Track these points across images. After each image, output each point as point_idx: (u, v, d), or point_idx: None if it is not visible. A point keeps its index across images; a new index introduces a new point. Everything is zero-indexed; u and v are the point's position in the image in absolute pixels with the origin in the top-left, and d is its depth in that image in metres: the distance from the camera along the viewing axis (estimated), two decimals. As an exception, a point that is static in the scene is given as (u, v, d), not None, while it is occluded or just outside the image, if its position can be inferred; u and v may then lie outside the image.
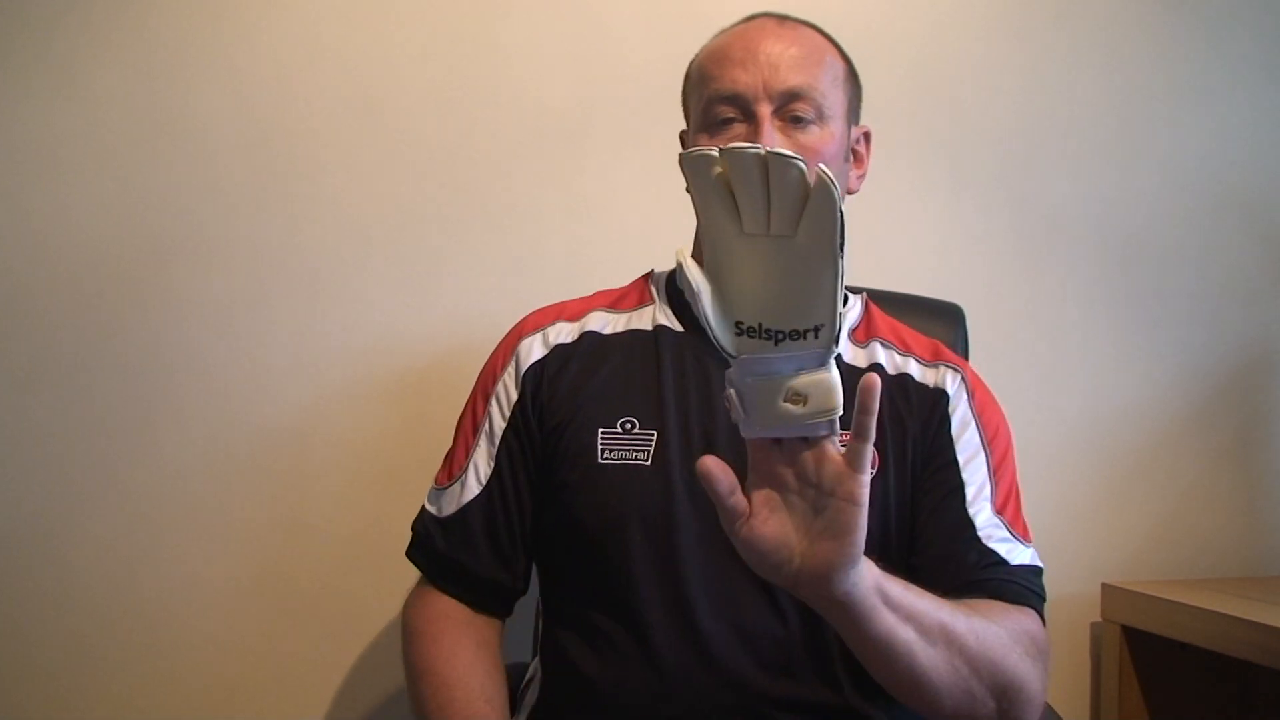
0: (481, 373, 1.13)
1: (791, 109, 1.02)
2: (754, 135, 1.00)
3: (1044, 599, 0.98)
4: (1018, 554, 0.99)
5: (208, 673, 1.41)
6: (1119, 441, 1.63)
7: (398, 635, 1.43)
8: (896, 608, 0.78)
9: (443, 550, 1.06)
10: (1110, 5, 1.63)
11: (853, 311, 1.13)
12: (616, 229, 1.48)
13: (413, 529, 1.10)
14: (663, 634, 0.98)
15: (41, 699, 1.38)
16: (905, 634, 0.79)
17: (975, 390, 1.08)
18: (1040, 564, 1.00)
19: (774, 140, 0.99)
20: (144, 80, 1.41)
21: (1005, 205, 1.61)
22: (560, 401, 1.06)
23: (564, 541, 1.04)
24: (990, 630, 0.86)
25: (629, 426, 1.03)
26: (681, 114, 1.14)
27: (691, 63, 1.10)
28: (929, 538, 0.99)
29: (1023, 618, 0.93)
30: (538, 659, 1.11)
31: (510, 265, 1.47)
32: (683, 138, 1.13)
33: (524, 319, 1.14)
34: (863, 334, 1.11)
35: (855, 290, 1.17)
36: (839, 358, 1.03)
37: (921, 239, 1.58)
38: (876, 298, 1.17)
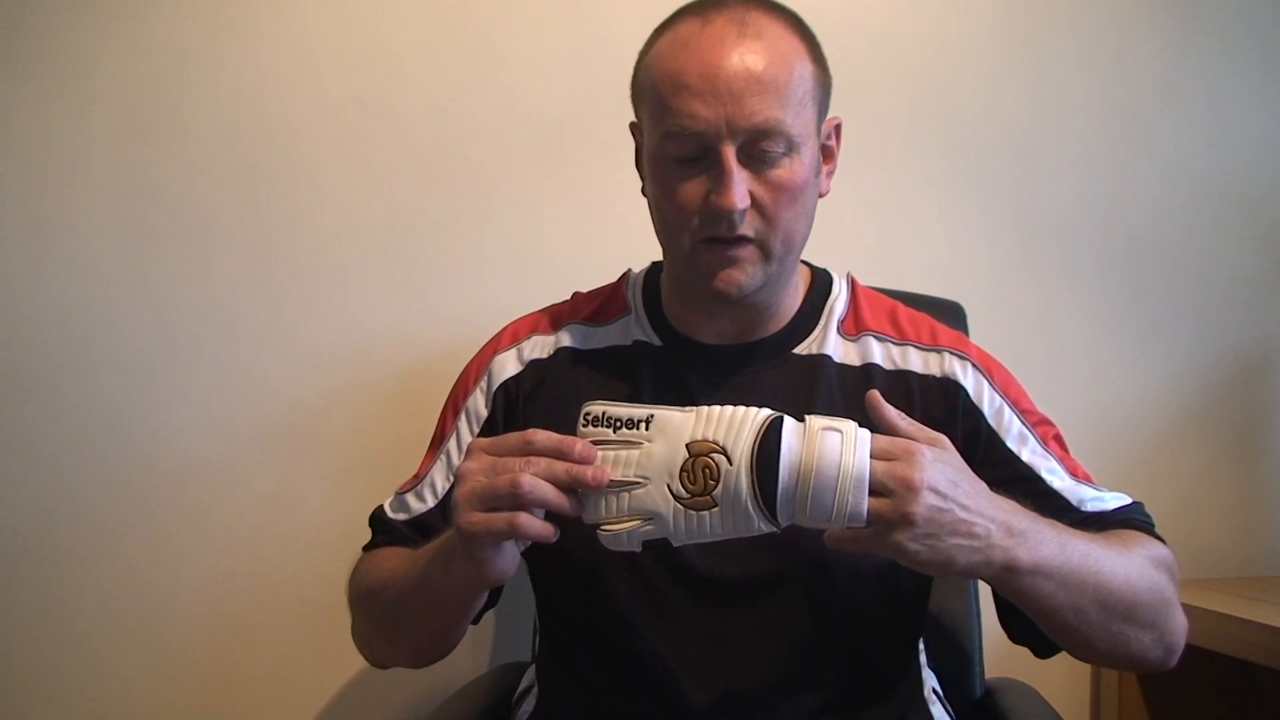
0: (455, 385, 1.10)
1: (760, 147, 0.91)
2: (719, 179, 0.91)
3: (1154, 524, 1.02)
4: (1113, 500, 1.02)
5: (204, 670, 1.41)
6: (1119, 441, 1.62)
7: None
8: (1050, 575, 0.85)
9: (395, 530, 1.06)
10: (1113, 6, 1.63)
11: (839, 300, 1.06)
12: (615, 229, 1.48)
13: (370, 525, 1.09)
14: (655, 658, 0.97)
15: (40, 696, 1.38)
16: (1061, 600, 0.86)
17: (992, 371, 1.04)
18: (1131, 498, 1.03)
19: (740, 190, 0.91)
20: (142, 80, 1.41)
21: (1007, 204, 1.60)
22: (537, 424, 1.00)
23: (552, 569, 1.03)
24: (1137, 565, 0.92)
25: None
26: None
27: (644, 58, 0.98)
28: None
29: (1154, 544, 0.98)
30: (533, 668, 1.11)
31: (508, 266, 1.47)
32: (633, 130, 1.02)
33: (500, 332, 1.11)
34: (852, 325, 1.05)
35: (821, 268, 1.10)
36: (828, 357, 1.02)
37: (922, 237, 1.58)
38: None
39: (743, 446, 0.78)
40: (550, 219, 1.48)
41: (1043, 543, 0.85)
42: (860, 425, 0.81)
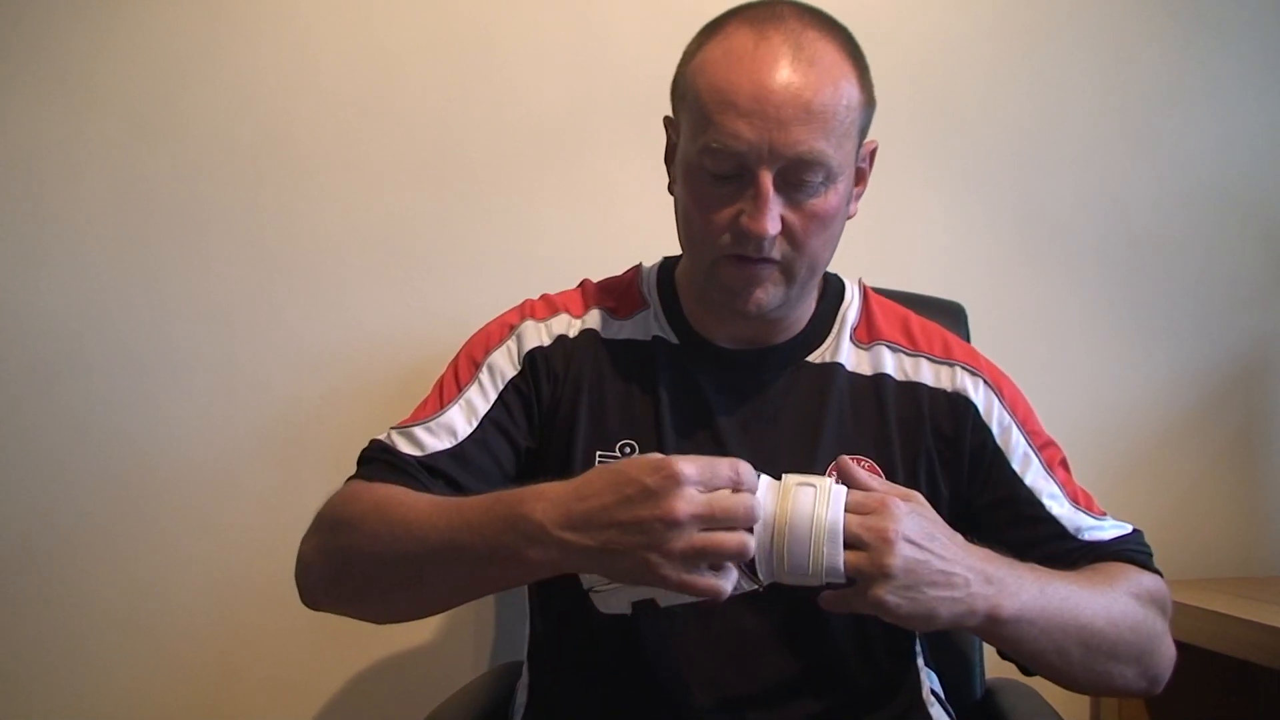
0: (472, 340, 1.07)
1: (800, 176, 0.90)
2: (753, 199, 0.90)
3: (1152, 554, 1.01)
4: (1112, 529, 1.01)
5: (202, 670, 1.41)
6: (1119, 442, 1.62)
7: (394, 634, 1.44)
8: (1033, 621, 0.86)
9: (402, 464, 0.96)
10: (1115, 7, 1.63)
11: (851, 308, 1.07)
12: (616, 229, 1.48)
13: (362, 457, 1.00)
14: (657, 659, 0.97)
15: (38, 697, 1.38)
16: (1045, 644, 0.87)
17: (1002, 388, 1.04)
18: (1131, 526, 1.02)
19: (773, 216, 0.90)
20: (141, 81, 1.41)
21: (1008, 205, 1.60)
22: (562, 402, 1.02)
23: None
24: (1121, 604, 0.92)
25: (628, 451, 1.00)
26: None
27: (690, 59, 0.96)
28: (1020, 548, 0.93)
29: (1144, 577, 0.97)
30: (525, 666, 1.10)
31: (509, 265, 1.47)
32: (667, 125, 1.01)
33: (522, 304, 1.09)
34: (865, 334, 1.06)
35: (833, 274, 1.09)
36: (840, 366, 1.03)
37: (923, 238, 1.58)
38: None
39: None
40: (549, 219, 1.48)
41: (1022, 589, 0.86)
42: (861, 448, 0.82)
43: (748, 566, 0.78)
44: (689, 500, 0.74)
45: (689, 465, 0.75)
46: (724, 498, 0.75)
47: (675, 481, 0.74)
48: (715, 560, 0.75)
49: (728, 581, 0.76)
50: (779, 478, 0.81)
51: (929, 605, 0.80)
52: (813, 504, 0.79)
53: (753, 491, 0.77)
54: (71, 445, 1.39)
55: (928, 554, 0.81)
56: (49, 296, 1.39)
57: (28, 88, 1.39)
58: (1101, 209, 1.63)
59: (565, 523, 0.77)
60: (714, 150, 0.90)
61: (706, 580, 0.75)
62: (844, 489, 0.81)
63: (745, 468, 0.77)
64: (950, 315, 1.31)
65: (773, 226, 0.90)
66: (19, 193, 1.39)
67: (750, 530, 0.76)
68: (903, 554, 0.79)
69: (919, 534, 0.81)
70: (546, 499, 0.79)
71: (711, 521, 0.74)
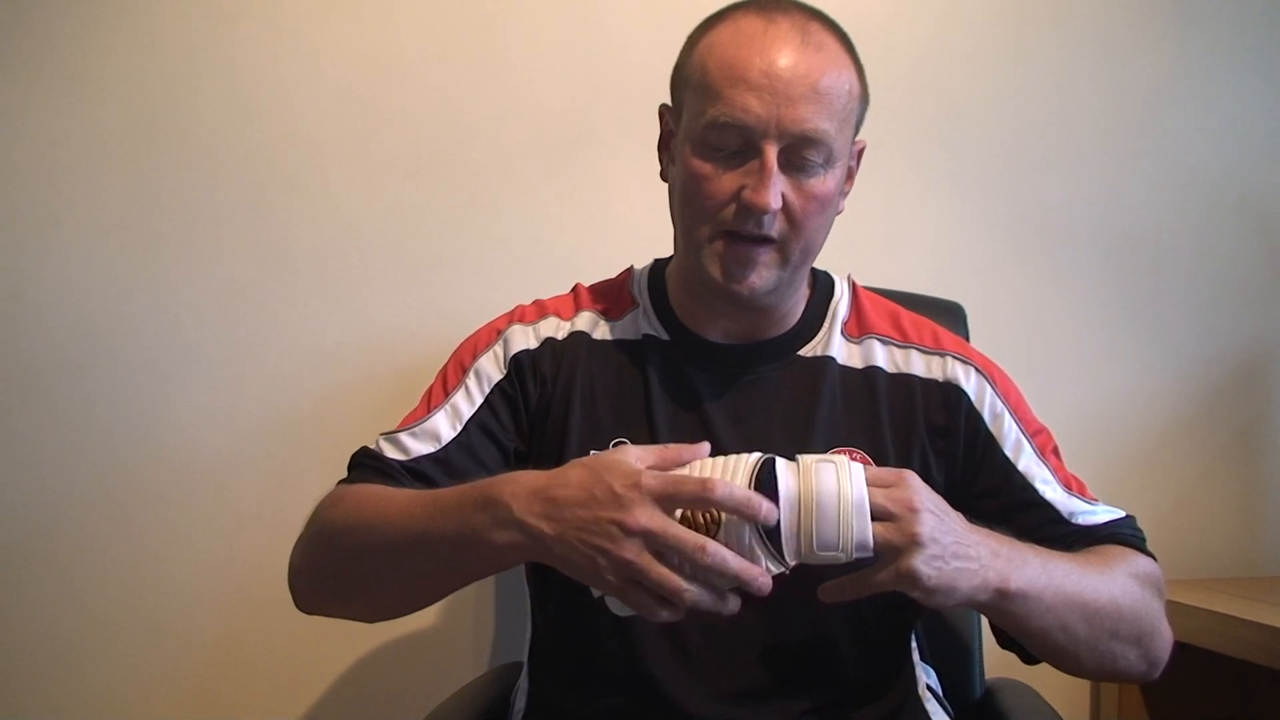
0: (460, 347, 1.08)
1: (802, 155, 0.93)
2: (758, 173, 0.92)
3: (1145, 539, 1.01)
4: (1105, 513, 1.01)
5: (203, 671, 1.41)
6: (1117, 441, 1.62)
7: (393, 633, 1.44)
8: (1039, 596, 0.86)
9: (388, 468, 0.98)
10: (1107, 5, 1.63)
11: (842, 303, 1.08)
12: (616, 229, 1.48)
13: (351, 463, 1.02)
14: (651, 655, 0.97)
15: (38, 698, 1.38)
16: (1050, 620, 0.88)
17: (994, 377, 1.05)
18: (1124, 512, 1.02)
19: (776, 191, 0.92)
20: (144, 80, 1.41)
21: (1004, 204, 1.60)
22: (553, 403, 1.03)
23: (549, 567, 1.02)
24: (1120, 583, 0.92)
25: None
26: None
27: (696, 43, 0.98)
28: (1014, 534, 0.92)
29: (1140, 559, 0.97)
30: (526, 665, 1.10)
31: (509, 265, 1.47)
32: (663, 113, 1.03)
33: (511, 310, 1.10)
34: (855, 328, 1.06)
35: (822, 270, 1.10)
36: (831, 359, 1.03)
37: (920, 237, 1.58)
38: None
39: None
40: (554, 217, 1.49)
41: (1026, 564, 0.87)
42: (854, 441, 0.83)
43: (774, 548, 0.78)
44: (649, 515, 0.76)
45: (656, 481, 0.77)
46: (680, 529, 0.76)
47: (640, 494, 0.76)
48: (647, 584, 0.77)
49: (667, 611, 0.78)
50: (793, 458, 0.81)
51: (952, 577, 0.81)
52: (836, 479, 0.78)
53: (724, 505, 0.77)
54: (77, 440, 1.39)
55: (949, 524, 0.82)
56: (56, 292, 1.39)
57: (35, 89, 1.39)
58: (1102, 208, 1.63)
59: (530, 506, 0.79)
60: (721, 124, 0.92)
61: (644, 596, 0.77)
62: (861, 465, 0.81)
63: (719, 486, 0.77)
64: (950, 316, 1.31)
65: (775, 201, 0.92)
66: (28, 191, 1.39)
67: (694, 573, 0.77)
68: (929, 523, 0.80)
69: (937, 506, 0.82)
70: (519, 483, 0.81)
71: (661, 545, 0.76)
